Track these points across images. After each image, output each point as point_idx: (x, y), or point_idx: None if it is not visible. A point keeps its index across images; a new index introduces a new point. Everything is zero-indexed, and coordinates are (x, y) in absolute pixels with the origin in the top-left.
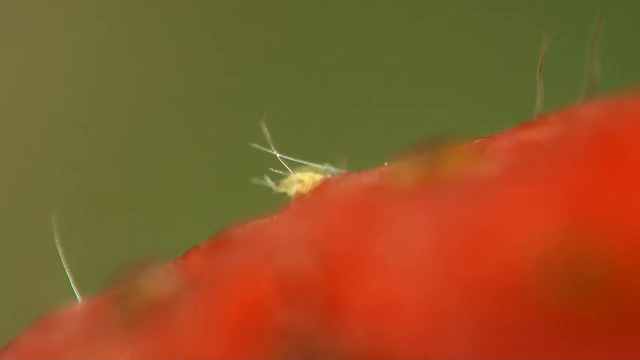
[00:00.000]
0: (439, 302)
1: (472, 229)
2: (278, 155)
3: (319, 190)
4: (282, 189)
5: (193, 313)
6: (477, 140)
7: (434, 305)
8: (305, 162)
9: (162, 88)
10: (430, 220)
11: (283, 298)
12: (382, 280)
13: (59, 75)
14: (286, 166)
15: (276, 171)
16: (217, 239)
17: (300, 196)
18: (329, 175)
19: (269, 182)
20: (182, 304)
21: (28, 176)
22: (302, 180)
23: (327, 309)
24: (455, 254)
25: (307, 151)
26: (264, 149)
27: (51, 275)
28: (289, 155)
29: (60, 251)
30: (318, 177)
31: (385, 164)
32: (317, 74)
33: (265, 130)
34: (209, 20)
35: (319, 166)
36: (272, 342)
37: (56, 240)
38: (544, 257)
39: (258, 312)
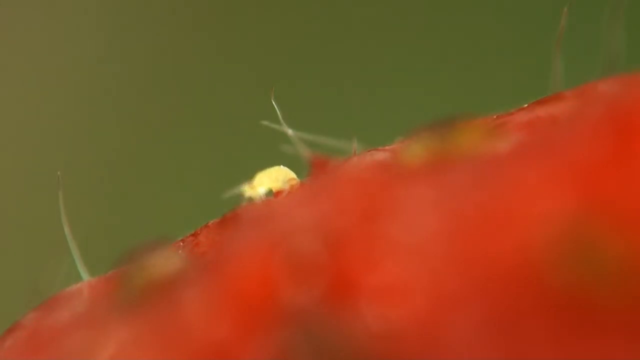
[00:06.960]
0: (447, 284)
1: (483, 209)
2: (290, 132)
3: (331, 168)
4: (248, 193)
5: (199, 292)
6: (493, 117)
7: (442, 287)
8: (315, 139)
9: (171, 71)
10: (440, 200)
11: (291, 279)
12: (390, 262)
13: (67, 53)
14: (298, 144)
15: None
16: (226, 217)
17: (312, 176)
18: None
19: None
20: (189, 283)
21: (35, 160)
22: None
23: (335, 292)
24: (465, 234)
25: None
26: (274, 125)
27: (59, 259)
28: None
29: (68, 233)
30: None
31: (398, 142)
32: (324, 60)
33: (277, 108)
34: (216, 4)
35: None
36: (278, 323)
37: (64, 223)
38: (556, 239)
39: (265, 293)
